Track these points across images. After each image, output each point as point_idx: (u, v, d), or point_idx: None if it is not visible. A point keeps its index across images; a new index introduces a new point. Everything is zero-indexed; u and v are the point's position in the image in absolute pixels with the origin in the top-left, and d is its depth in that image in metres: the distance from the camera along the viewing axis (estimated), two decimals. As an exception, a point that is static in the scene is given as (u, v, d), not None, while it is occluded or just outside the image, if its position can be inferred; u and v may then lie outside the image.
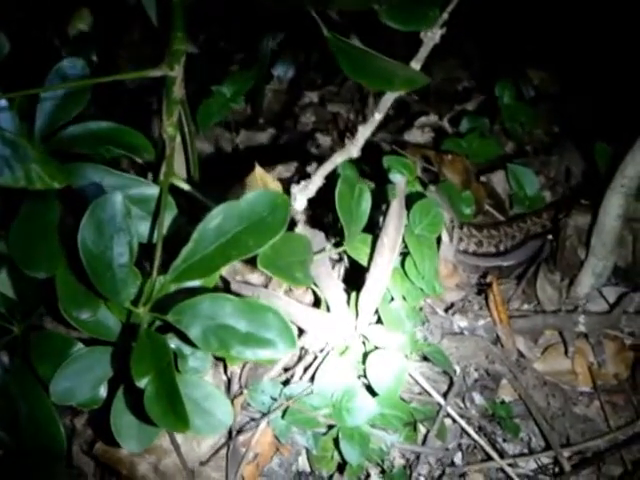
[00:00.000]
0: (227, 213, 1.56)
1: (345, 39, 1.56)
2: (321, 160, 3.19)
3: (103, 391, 1.78)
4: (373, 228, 2.11)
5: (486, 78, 3.86)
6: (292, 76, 4.24)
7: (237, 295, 1.93)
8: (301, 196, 2.05)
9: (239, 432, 2.08)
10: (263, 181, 2.31)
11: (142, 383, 1.50)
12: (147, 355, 1.54)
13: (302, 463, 2.16)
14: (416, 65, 1.89)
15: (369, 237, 2.10)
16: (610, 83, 3.43)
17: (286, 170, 2.86)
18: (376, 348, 2.08)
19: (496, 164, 3.29)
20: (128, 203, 1.58)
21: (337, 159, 2.02)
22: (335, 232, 2.22)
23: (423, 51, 1.88)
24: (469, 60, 4.39)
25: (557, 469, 2.23)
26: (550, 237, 2.82)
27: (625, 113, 2.88)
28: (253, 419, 2.11)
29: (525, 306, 2.64)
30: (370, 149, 2.07)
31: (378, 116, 1.97)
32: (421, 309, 2.36)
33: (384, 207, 2.13)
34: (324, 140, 3.77)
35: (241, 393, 2.11)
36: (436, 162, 3.00)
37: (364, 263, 2.08)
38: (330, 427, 2.05)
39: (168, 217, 1.78)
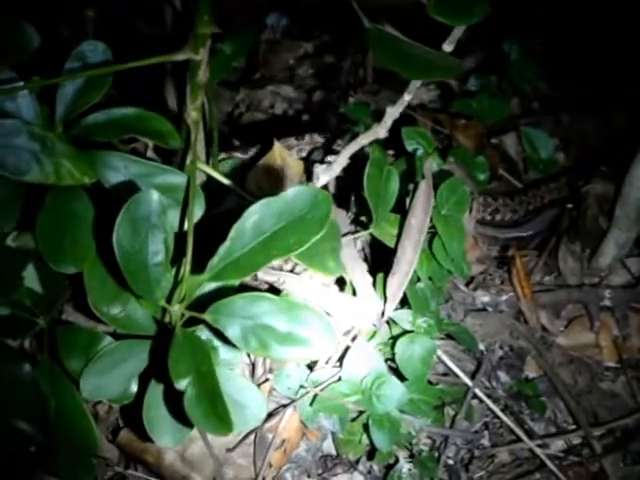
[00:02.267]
0: (265, 210, 1.51)
1: (385, 29, 1.51)
2: (327, 124, 3.17)
3: (134, 386, 1.74)
4: (398, 206, 2.06)
5: (489, 26, 3.78)
6: (285, 25, 4.13)
7: (262, 281, 1.93)
8: (324, 176, 2.02)
9: (266, 418, 2.04)
10: (282, 158, 2.27)
11: (182, 385, 1.46)
12: (186, 356, 1.50)
13: (327, 446, 2.14)
14: (449, 47, 1.84)
15: (395, 217, 2.06)
16: (623, 34, 3.37)
17: (302, 141, 2.79)
18: (404, 331, 2.05)
19: (506, 124, 3.24)
20: (163, 200, 1.53)
21: (363, 140, 1.98)
22: (359, 209, 2.18)
23: (456, 33, 1.83)
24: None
25: (587, 449, 2.22)
26: (570, 206, 2.79)
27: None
28: (280, 405, 2.08)
29: (547, 278, 2.62)
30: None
31: (407, 97, 1.93)
32: (444, 284, 2.33)
33: (411, 187, 2.09)
34: (326, 97, 3.69)
35: (266, 379, 2.08)
36: (448, 127, 2.94)
37: (390, 244, 2.04)
38: (359, 412, 2.02)
39: (197, 206, 1.72)
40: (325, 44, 4.11)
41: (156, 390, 1.67)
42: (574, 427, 2.29)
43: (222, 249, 1.50)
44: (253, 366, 2.10)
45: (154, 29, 2.19)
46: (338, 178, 2.16)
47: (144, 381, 1.72)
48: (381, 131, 1.94)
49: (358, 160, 2.05)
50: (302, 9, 4.15)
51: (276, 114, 3.58)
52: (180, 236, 1.67)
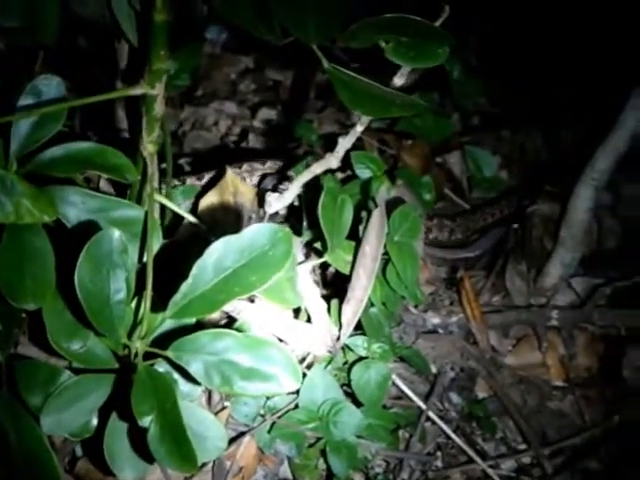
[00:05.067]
0: (226, 248, 1.51)
1: (345, 70, 1.53)
2: (272, 142, 3.18)
3: (94, 420, 1.74)
4: (351, 232, 2.09)
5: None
6: (225, 38, 4.11)
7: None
8: (277, 204, 2.03)
9: (224, 446, 2.06)
10: (234, 185, 2.28)
11: (145, 422, 1.46)
12: (149, 393, 1.51)
13: (284, 471, 2.15)
14: (399, 80, 1.89)
15: (349, 244, 2.08)
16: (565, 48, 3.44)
17: (254, 167, 2.79)
18: (359, 357, 2.08)
19: (450, 143, 3.27)
20: (124, 238, 1.54)
21: (316, 169, 2.00)
22: (313, 236, 2.20)
23: (405, 69, 1.87)
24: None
25: (537, 469, 2.26)
26: (515, 225, 2.83)
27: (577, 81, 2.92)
28: (237, 432, 2.09)
29: (495, 298, 2.66)
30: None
31: (360, 128, 1.95)
32: (394, 305, 2.36)
33: (363, 214, 2.12)
34: (269, 114, 3.69)
35: (223, 407, 2.09)
36: (395, 147, 2.97)
37: (345, 271, 2.07)
38: (317, 438, 2.04)
39: (155, 239, 1.73)
40: (266, 58, 4.10)
41: (117, 424, 1.67)
42: (524, 447, 2.33)
43: (184, 287, 1.51)
44: (209, 394, 2.11)
45: (109, 62, 2.18)
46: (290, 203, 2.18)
47: (104, 414, 1.72)
48: (334, 161, 1.97)
49: (310, 185, 2.07)
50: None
51: (221, 132, 3.57)
52: (138, 269, 1.68)
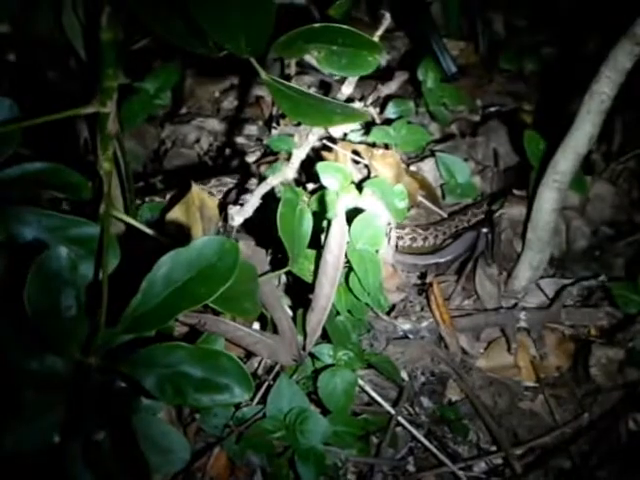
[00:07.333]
0: (175, 261, 1.54)
1: (283, 81, 1.55)
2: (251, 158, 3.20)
3: (56, 436, 1.75)
4: (316, 241, 2.10)
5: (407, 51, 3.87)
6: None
7: (183, 324, 1.96)
8: (238, 217, 2.06)
9: (194, 458, 2.07)
10: (200, 200, 2.29)
11: (99, 437, 1.49)
12: (103, 409, 1.53)
13: (257, 481, 2.18)
14: (347, 89, 1.91)
15: (311, 253, 2.10)
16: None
17: (221, 183, 2.82)
18: (325, 365, 2.10)
19: (424, 150, 3.29)
20: (73, 255, 1.55)
21: (273, 181, 2.03)
22: (276, 248, 2.22)
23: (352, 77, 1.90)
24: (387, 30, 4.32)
25: (508, 470, 2.27)
26: (485, 230, 2.84)
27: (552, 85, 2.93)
28: (207, 443, 2.11)
29: (466, 302, 2.66)
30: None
31: (312, 138, 1.97)
32: (364, 312, 2.36)
33: (325, 224, 2.14)
34: (250, 129, 3.70)
35: (193, 419, 2.11)
36: (367, 157, 2.98)
37: (309, 280, 2.08)
38: (285, 447, 2.06)
39: (112, 256, 1.75)
40: (249, 74, 4.11)
41: (77, 442, 1.69)
42: (495, 448, 2.34)
43: (134, 301, 1.53)
44: (180, 406, 2.12)
45: (64, 80, 2.20)
46: (259, 216, 2.19)
47: (67, 430, 1.73)
48: (289, 172, 2.00)
49: (272, 196, 2.10)
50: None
51: (202, 149, 3.58)
52: (97, 286, 1.69)
